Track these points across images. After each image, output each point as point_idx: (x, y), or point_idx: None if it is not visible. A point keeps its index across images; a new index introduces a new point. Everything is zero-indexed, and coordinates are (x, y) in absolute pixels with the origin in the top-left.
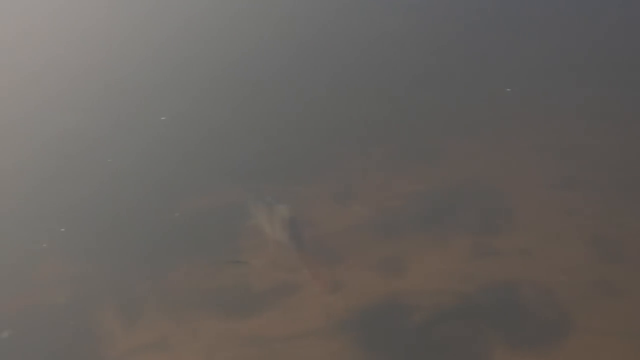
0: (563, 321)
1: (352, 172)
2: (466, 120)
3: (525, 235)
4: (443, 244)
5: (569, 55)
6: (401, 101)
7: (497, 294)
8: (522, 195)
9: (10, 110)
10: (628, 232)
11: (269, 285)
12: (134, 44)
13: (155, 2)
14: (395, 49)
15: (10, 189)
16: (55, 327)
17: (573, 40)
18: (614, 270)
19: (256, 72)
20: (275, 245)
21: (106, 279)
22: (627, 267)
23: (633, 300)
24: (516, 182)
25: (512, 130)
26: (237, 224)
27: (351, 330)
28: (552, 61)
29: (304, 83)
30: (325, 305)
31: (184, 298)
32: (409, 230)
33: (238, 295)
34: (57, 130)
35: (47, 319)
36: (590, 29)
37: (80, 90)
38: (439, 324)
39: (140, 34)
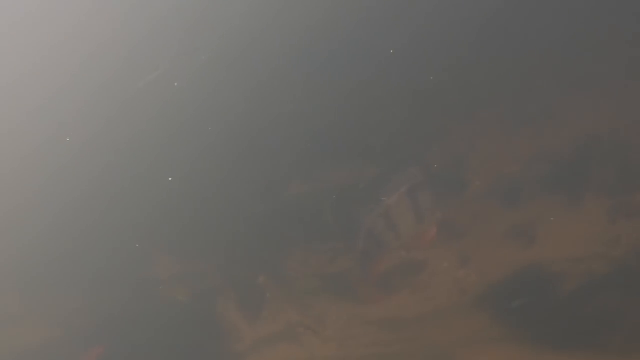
0: None
1: (460, 142)
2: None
3: None
4: (576, 207)
5: None
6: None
7: None
8: None
9: None
10: None
11: (392, 265)
12: None
13: None
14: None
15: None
16: (182, 325)
17: None
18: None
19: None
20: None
21: (224, 274)
22: None
23: None
24: None
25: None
26: (348, 208)
27: (491, 306)
28: None
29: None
30: (457, 281)
31: (305, 285)
32: (535, 195)
33: (361, 278)
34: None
35: (172, 318)
36: None
37: None
38: (594, 293)
39: None
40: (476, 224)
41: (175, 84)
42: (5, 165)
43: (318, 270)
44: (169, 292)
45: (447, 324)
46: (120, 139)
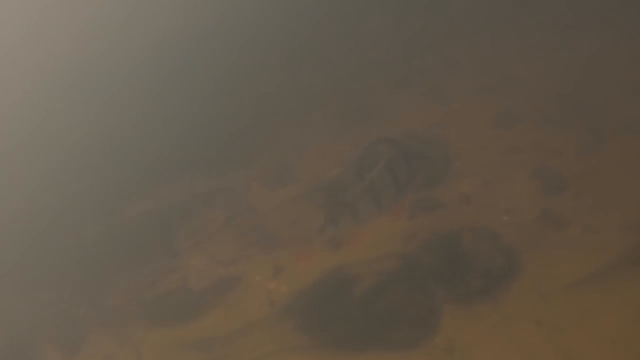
0: (509, 264)
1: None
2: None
3: (466, 181)
4: (382, 208)
5: None
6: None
7: (439, 249)
8: (460, 140)
9: None
10: (567, 161)
11: (209, 284)
12: None
13: None
14: None
15: None
16: None
17: None
18: (556, 202)
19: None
20: None
21: (44, 310)
22: (568, 196)
23: (574, 230)
24: (452, 127)
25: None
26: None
27: (295, 314)
28: None
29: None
30: (267, 293)
31: (125, 313)
32: (348, 198)
33: (179, 299)
34: None
35: None
36: None
37: None
38: (382, 292)
39: None
40: (293, 229)
41: None
42: None
43: (139, 295)
44: None
45: (255, 339)
46: None
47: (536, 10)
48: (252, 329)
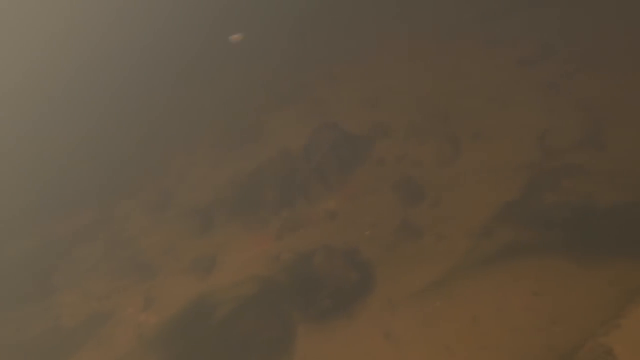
0: (365, 279)
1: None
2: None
3: (333, 198)
4: (252, 230)
5: None
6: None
7: (296, 270)
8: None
9: None
10: (427, 171)
11: (81, 320)
12: None
13: None
14: None
15: None
16: None
17: None
18: (414, 213)
19: None
20: None
21: None
22: (426, 205)
23: (427, 239)
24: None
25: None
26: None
27: (161, 345)
28: None
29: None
30: (137, 325)
31: None
32: (223, 223)
33: (52, 340)
34: None
35: None
36: None
37: None
38: (239, 316)
39: None
40: (165, 263)
41: None
42: None
43: (12, 339)
44: None
45: None
46: None
47: (412, 24)
48: None
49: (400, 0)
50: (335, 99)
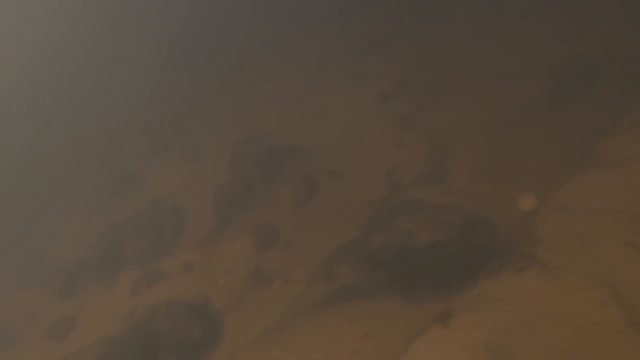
0: (211, 332)
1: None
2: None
3: (192, 246)
4: (111, 288)
5: None
6: None
7: (143, 328)
8: (196, 203)
9: None
10: (283, 214)
11: None
12: None
13: None
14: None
15: None
16: None
17: None
18: (267, 259)
19: None
20: None
21: None
22: (278, 250)
23: (276, 285)
24: (195, 191)
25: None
26: None
27: None
28: None
29: None
30: None
31: None
32: (85, 282)
33: None
34: None
35: None
36: None
37: None
38: None
39: None
40: (26, 325)
41: None
42: None
43: None
44: None
45: None
46: None
47: (285, 59)
48: None
49: (273, 35)
50: (210, 144)
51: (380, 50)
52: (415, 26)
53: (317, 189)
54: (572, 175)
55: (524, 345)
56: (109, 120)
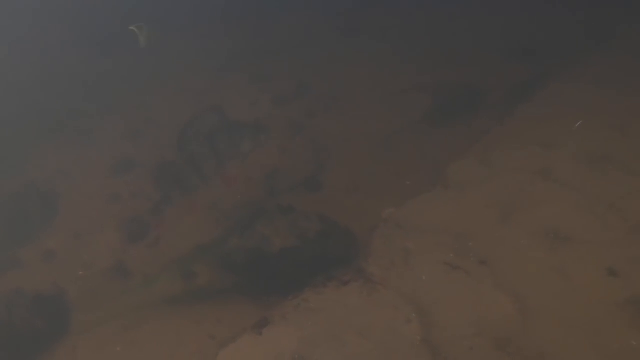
0: (59, 325)
1: None
2: None
3: (60, 235)
4: None
5: None
6: None
7: None
8: (73, 190)
9: None
10: (156, 210)
11: None
12: None
13: None
14: None
15: None
16: None
17: None
18: (132, 253)
19: None
20: None
21: None
22: (144, 245)
23: (135, 279)
24: (74, 175)
25: None
26: None
27: None
28: None
29: None
30: None
31: None
32: None
33: None
34: None
35: None
36: None
37: None
38: None
39: None
40: None
41: None
42: None
43: None
44: None
45: None
46: None
47: (188, 58)
48: None
49: (182, 28)
50: (100, 131)
51: (285, 54)
52: (323, 35)
53: (199, 187)
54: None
55: (327, 358)
56: None
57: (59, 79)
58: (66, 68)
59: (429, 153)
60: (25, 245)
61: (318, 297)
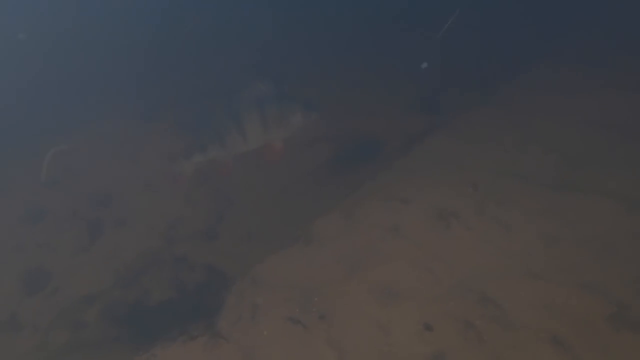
0: None
1: None
2: None
3: None
4: None
5: None
6: None
7: None
8: None
9: None
10: (59, 258)
11: None
12: None
13: None
14: None
15: None
16: None
17: None
18: (30, 302)
19: None
20: None
21: None
22: (44, 294)
23: (27, 333)
24: None
25: None
26: None
27: None
28: None
29: None
30: None
31: None
32: None
33: None
34: None
35: None
36: None
37: None
38: None
39: None
40: None
41: None
42: None
43: None
44: None
45: None
46: None
47: (115, 104)
48: None
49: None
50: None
51: (207, 102)
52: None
53: (101, 236)
54: (283, 248)
55: None
56: None
57: None
58: None
59: (307, 205)
60: None
61: (164, 352)
